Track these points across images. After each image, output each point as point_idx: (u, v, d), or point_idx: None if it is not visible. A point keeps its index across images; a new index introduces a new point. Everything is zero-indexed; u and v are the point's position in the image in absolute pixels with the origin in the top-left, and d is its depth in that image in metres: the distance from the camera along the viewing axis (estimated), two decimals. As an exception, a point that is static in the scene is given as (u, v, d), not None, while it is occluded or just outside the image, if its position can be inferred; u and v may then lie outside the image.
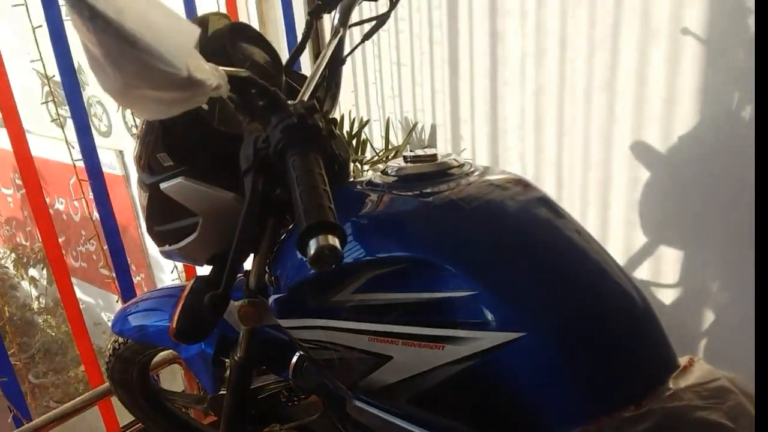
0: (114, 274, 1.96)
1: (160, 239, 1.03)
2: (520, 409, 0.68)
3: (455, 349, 0.70)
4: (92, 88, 2.48)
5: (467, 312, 0.70)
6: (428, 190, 0.82)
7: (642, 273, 1.48)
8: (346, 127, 1.97)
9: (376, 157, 1.98)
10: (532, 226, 0.78)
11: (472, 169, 0.87)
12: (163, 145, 0.93)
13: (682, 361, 0.73)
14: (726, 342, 1.41)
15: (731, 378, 0.69)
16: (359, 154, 1.96)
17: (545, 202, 0.82)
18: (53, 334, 2.91)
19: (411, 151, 0.90)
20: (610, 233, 1.50)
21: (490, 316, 0.69)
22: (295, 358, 1.09)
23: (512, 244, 0.76)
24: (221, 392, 1.28)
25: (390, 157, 1.89)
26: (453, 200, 0.79)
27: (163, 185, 0.94)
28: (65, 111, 1.88)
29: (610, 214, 1.50)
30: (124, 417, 1.96)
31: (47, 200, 1.84)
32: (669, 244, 1.43)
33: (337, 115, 2.04)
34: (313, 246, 0.62)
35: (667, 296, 1.47)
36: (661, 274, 1.46)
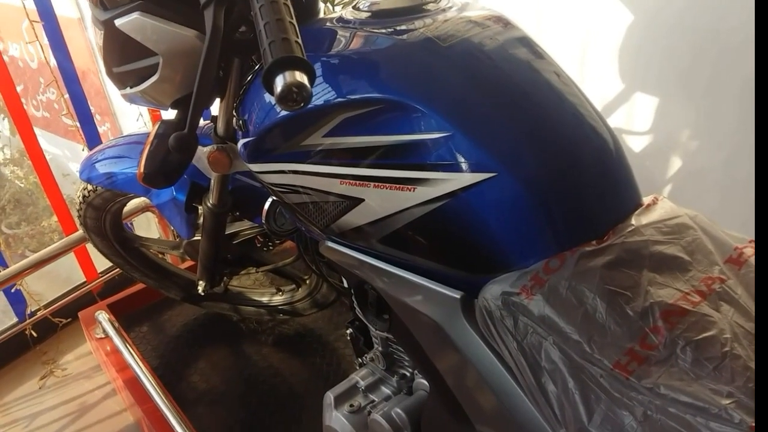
0: (77, 123, 1.90)
1: (119, 81, 0.98)
2: (487, 244, 0.70)
3: (426, 191, 0.70)
4: None
5: (439, 154, 0.69)
6: (403, 27, 0.78)
7: (615, 120, 1.48)
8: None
9: (349, -1, 1.86)
10: (510, 67, 0.76)
11: (449, 5, 0.82)
12: None
13: (647, 200, 0.75)
14: (691, 185, 1.45)
15: (693, 215, 0.72)
16: (329, -7, 1.84)
17: (525, 41, 0.79)
18: (22, 185, 2.86)
19: None
20: (587, 79, 1.48)
21: (462, 158, 0.68)
22: (267, 204, 1.10)
23: (488, 85, 0.73)
24: (196, 238, 1.30)
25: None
26: (428, 38, 0.75)
27: (118, 21, 0.87)
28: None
29: (588, 59, 1.48)
30: (101, 264, 2.01)
31: (0, 46, 1.73)
32: (645, 91, 1.43)
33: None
34: (279, 83, 0.59)
35: (638, 143, 1.49)
36: (634, 121, 1.47)
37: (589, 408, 0.58)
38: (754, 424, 0.51)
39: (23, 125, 1.77)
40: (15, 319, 1.92)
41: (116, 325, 1.72)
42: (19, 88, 1.85)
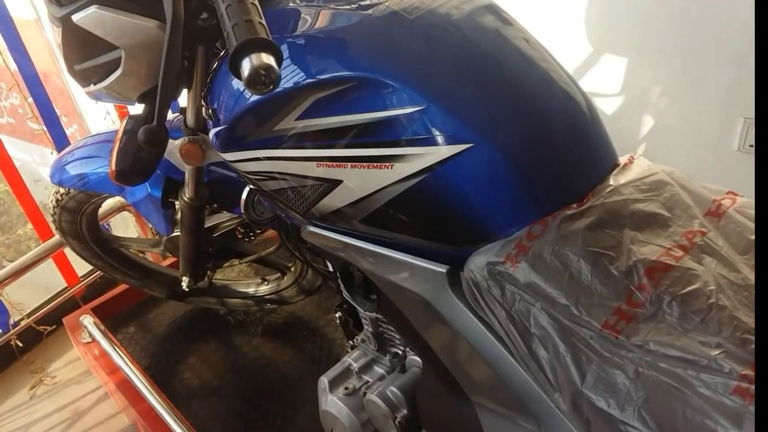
0: (43, 126, 1.85)
1: (82, 79, 0.96)
2: (469, 216, 0.69)
3: (404, 167, 0.70)
4: None
5: (414, 128, 0.68)
6: (367, 2, 0.76)
7: (587, 83, 1.48)
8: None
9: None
10: (479, 35, 0.75)
11: None
12: None
13: (623, 159, 0.75)
14: (665, 143, 1.47)
15: (669, 171, 0.72)
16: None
17: (492, 9, 0.78)
18: (-7, 195, 2.82)
19: None
20: (557, 44, 1.48)
21: (437, 131, 0.68)
22: (245, 194, 1.08)
23: (458, 55, 0.72)
24: (175, 234, 1.29)
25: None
26: (394, 11, 0.74)
27: (75, 17, 0.84)
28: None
29: (557, 24, 1.47)
30: (82, 268, 1.98)
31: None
32: (614, 53, 1.43)
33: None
34: (246, 66, 0.58)
35: (610, 105, 1.50)
36: (605, 84, 1.47)
37: (581, 370, 0.58)
38: (744, 372, 0.52)
39: (-12, 132, 1.73)
40: (-1, 331, 1.89)
41: (102, 328, 1.70)
42: (-21, 95, 1.80)
